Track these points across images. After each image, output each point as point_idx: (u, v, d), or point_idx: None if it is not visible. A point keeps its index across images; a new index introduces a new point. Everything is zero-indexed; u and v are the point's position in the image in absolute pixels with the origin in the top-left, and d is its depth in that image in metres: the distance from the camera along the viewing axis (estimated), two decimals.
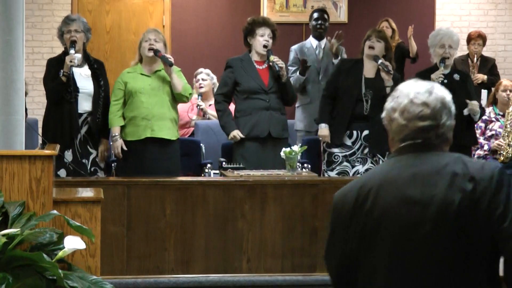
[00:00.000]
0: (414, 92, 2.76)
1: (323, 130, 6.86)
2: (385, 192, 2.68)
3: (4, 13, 5.01)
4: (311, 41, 8.36)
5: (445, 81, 7.06)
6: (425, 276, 2.62)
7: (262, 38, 6.95)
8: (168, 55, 6.74)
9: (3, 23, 5.01)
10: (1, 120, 5.01)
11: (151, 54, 6.72)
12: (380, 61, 6.79)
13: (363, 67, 6.89)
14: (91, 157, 6.74)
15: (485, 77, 9.40)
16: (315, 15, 8.45)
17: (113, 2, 10.45)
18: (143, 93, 6.69)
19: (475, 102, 6.96)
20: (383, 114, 2.86)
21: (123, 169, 6.74)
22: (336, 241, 2.80)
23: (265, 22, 7.02)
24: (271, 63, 6.89)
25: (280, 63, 6.89)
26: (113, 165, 7.19)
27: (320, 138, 6.91)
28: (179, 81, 6.74)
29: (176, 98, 6.82)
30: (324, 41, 8.35)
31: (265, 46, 6.93)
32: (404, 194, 2.65)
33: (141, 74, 6.77)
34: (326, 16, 8.49)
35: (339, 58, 8.07)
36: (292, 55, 8.20)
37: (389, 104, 2.82)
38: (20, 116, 5.08)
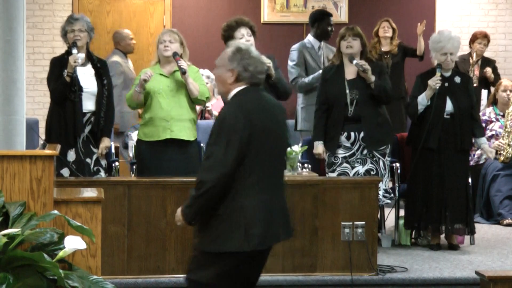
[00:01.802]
0: (257, 55, 4.38)
1: (318, 148, 6.90)
2: (260, 115, 4.26)
3: (4, 13, 5.01)
4: (312, 42, 8.30)
5: (446, 84, 7.07)
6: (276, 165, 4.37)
7: (242, 40, 6.91)
8: (182, 62, 6.65)
9: (4, 23, 5.01)
10: (2, 120, 5.02)
11: (167, 53, 6.69)
12: (354, 61, 6.79)
13: (343, 70, 6.89)
14: (94, 156, 6.73)
15: (492, 74, 9.39)
16: (327, 20, 8.35)
17: (113, 3, 10.46)
18: (162, 94, 6.66)
19: (490, 150, 7.36)
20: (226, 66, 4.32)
21: (143, 170, 6.70)
22: (230, 149, 4.15)
23: (238, 23, 6.94)
24: None
25: (268, 62, 6.85)
26: (113, 164, 7.18)
27: (316, 156, 6.94)
28: (195, 86, 6.68)
29: (194, 102, 6.80)
30: (322, 42, 8.33)
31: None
32: (270, 117, 4.33)
33: (160, 74, 6.75)
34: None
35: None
36: (296, 55, 8.11)
37: (242, 60, 4.32)
38: (21, 116, 5.08)
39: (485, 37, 9.60)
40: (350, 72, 6.88)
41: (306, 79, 7.93)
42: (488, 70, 9.43)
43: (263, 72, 4.40)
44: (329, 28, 8.28)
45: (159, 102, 6.65)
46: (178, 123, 6.64)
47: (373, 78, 6.76)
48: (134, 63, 9.69)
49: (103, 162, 6.82)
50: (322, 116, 6.90)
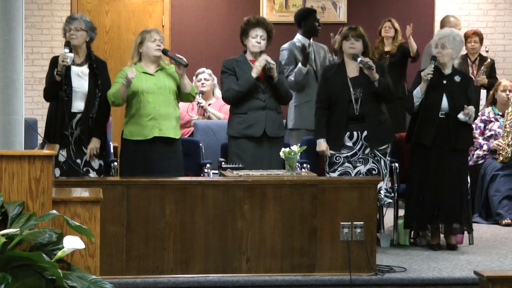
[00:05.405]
0: None
1: (321, 145, 6.88)
2: None
3: (3, 13, 5.01)
4: (301, 40, 8.26)
5: (444, 81, 7.07)
6: None
7: (254, 40, 6.92)
8: (179, 55, 6.69)
9: (3, 23, 5.01)
10: (1, 120, 5.02)
11: (159, 53, 6.70)
12: (359, 59, 6.81)
13: (345, 69, 6.89)
14: (85, 157, 6.72)
15: (486, 80, 9.36)
16: (313, 16, 8.38)
17: (112, 2, 10.45)
18: (150, 92, 6.65)
19: (471, 108, 6.94)
20: None
21: (129, 169, 6.68)
22: None
23: (259, 23, 6.94)
24: (257, 63, 6.87)
25: (272, 63, 6.86)
26: (112, 164, 7.17)
27: (320, 154, 6.94)
28: (188, 81, 6.73)
29: (183, 98, 6.81)
30: (311, 39, 8.31)
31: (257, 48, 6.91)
32: None
33: (144, 72, 6.73)
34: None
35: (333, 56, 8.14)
36: (286, 54, 8.04)
37: None
38: (20, 116, 5.08)
39: (475, 34, 9.59)
40: (352, 70, 6.89)
41: (292, 77, 7.88)
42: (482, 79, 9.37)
43: None
44: (317, 24, 8.29)
45: (147, 100, 6.64)
46: (166, 121, 6.65)
47: (377, 75, 6.78)
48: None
49: (97, 163, 6.78)
50: (323, 114, 6.90)
